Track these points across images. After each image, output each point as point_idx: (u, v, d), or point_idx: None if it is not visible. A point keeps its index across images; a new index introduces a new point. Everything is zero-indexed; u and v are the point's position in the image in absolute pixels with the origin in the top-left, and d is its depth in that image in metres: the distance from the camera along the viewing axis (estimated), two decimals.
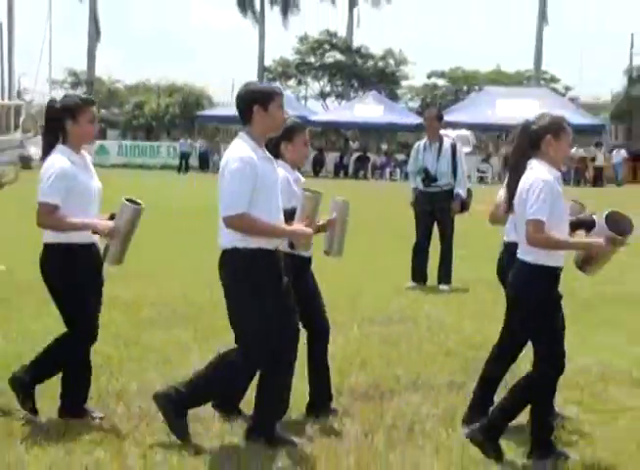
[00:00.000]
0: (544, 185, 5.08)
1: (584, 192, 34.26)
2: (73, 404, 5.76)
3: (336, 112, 51.62)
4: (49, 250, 5.61)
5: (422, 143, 11.51)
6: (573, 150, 44.93)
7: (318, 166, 44.03)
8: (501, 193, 5.99)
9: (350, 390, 6.66)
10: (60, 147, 5.60)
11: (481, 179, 37.92)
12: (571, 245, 5.38)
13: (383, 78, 58.98)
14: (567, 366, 5.45)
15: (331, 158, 45.74)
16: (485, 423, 5.37)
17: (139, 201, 5.72)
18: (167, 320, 8.84)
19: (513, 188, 5.36)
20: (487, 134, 46.59)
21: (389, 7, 67.00)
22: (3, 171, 6.57)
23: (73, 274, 5.51)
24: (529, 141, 5.29)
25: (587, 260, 5.50)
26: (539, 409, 5.34)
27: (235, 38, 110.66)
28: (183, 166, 44.79)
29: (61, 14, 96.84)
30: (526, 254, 5.24)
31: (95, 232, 5.53)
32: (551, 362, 5.25)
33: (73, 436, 5.29)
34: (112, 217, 5.70)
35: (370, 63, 60.78)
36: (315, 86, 59.59)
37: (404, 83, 63.30)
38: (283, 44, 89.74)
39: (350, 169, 44.80)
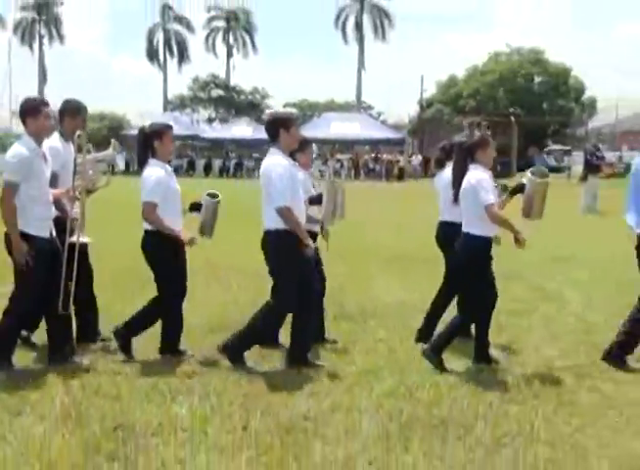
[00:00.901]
0: (486, 181, 5.80)
1: (393, 185, 38.83)
2: (171, 345, 6.10)
3: (219, 131, 56.85)
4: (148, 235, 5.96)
5: None
6: (385, 155, 54.65)
7: (208, 169, 49.41)
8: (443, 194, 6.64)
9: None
10: (152, 161, 5.98)
11: (322, 176, 46.07)
12: (508, 224, 5.80)
13: (252, 108, 65.85)
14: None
15: (216, 163, 50.72)
16: (433, 343, 6.00)
17: (217, 194, 6.30)
18: None
19: (457, 187, 5.99)
20: (325, 146, 51.24)
21: (256, 57, 78.98)
22: (97, 178, 6.46)
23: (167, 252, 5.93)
24: (467, 153, 5.99)
25: (530, 206, 5.94)
26: (479, 331, 6.06)
27: (146, 80, 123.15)
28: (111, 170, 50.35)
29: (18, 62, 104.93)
30: (473, 227, 5.88)
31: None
32: (487, 300, 5.99)
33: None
34: (193, 206, 6.30)
35: (242, 97, 68.00)
36: (204, 113, 66.03)
37: (267, 111, 74.37)
38: (180, 84, 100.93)
39: (231, 172, 49.37)
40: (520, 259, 9.70)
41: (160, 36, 70.69)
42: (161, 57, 70.62)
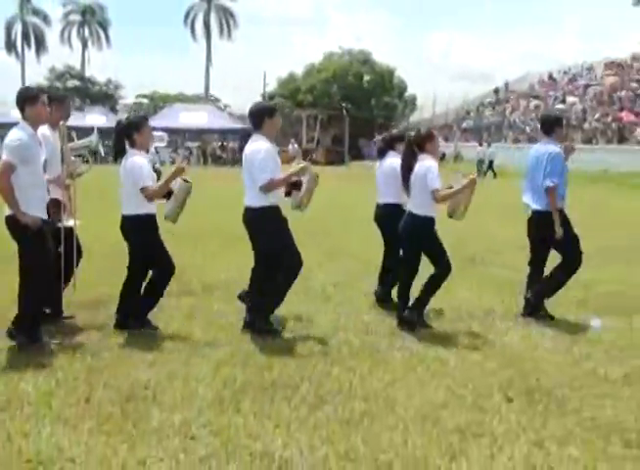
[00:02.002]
0: (435, 168, 6.05)
1: (237, 170, 44.38)
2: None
3: (74, 120, 57.78)
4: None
5: None
6: (230, 143, 54.44)
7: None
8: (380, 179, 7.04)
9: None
10: (132, 151, 5.90)
11: (173, 162, 45.39)
12: (451, 193, 6.15)
13: (106, 98, 64.41)
14: None
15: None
16: (410, 309, 6.24)
17: (189, 180, 6.11)
18: None
19: (407, 173, 6.21)
20: (175, 135, 48.41)
21: (110, 51, 75.35)
22: (77, 165, 6.33)
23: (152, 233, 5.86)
24: (416, 145, 6.18)
25: (454, 209, 6.37)
26: (430, 291, 6.24)
27: (4, 69, 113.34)
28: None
29: None
30: (419, 208, 6.14)
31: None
32: (446, 266, 6.19)
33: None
34: (170, 193, 6.05)
35: (97, 87, 66.39)
36: None
37: (120, 101, 68.61)
38: (38, 73, 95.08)
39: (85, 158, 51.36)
40: None
41: (18, 28, 67.68)
42: (19, 48, 67.72)
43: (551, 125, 6.80)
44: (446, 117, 57.25)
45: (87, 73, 67.47)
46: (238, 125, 49.98)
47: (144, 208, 5.86)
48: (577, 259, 6.61)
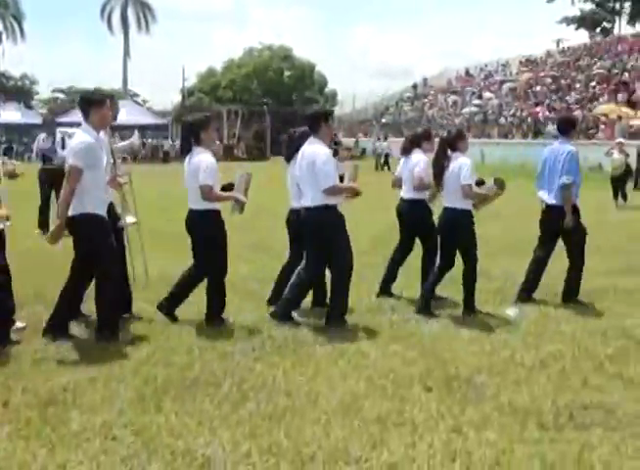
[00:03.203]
0: (468, 165, 6.49)
1: (155, 167, 35.65)
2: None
3: None
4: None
5: None
6: (150, 140, 53.57)
7: None
8: (397, 173, 7.54)
9: None
10: (198, 148, 6.01)
11: None
12: (480, 194, 6.64)
13: (21, 93, 62.72)
14: None
15: None
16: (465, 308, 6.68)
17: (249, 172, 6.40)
18: None
19: (439, 171, 6.61)
20: None
21: (26, 44, 73.90)
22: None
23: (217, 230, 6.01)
24: (448, 145, 6.64)
25: (478, 204, 6.77)
26: (471, 286, 6.71)
27: None
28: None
29: None
30: (456, 203, 6.56)
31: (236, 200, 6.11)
32: (475, 259, 6.66)
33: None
34: (225, 188, 6.21)
35: (12, 82, 64.95)
36: None
37: (36, 97, 67.73)
38: None
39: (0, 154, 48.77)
40: None
41: None
42: None
43: (567, 126, 7.36)
44: (366, 113, 57.90)
45: (1, 68, 65.10)
46: (157, 121, 49.68)
47: (210, 203, 5.98)
48: (581, 252, 7.21)
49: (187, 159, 6.09)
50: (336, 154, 24.93)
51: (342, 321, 6.17)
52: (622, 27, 55.39)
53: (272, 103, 51.99)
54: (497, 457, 3.76)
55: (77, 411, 4.30)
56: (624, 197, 16.79)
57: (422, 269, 7.22)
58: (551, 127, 32.36)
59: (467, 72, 56.61)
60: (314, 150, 6.08)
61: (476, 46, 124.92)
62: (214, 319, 6.15)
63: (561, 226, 7.04)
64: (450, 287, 7.09)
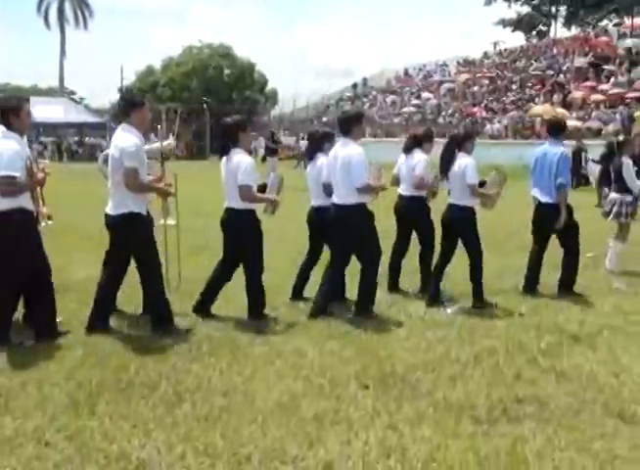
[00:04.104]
0: (472, 165, 6.83)
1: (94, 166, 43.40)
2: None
3: None
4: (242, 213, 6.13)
5: None
6: (87, 139, 52.65)
7: None
8: (395, 171, 7.71)
9: None
10: (237, 149, 6.18)
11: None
12: (485, 193, 7.02)
13: None
14: None
15: None
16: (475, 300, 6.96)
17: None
18: None
19: (446, 167, 6.96)
20: (28, 129, 49.79)
21: None
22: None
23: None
24: (455, 145, 6.99)
25: (484, 203, 7.11)
26: (478, 278, 7.04)
27: None
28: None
29: None
30: (460, 200, 6.91)
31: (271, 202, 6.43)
32: (479, 252, 6.99)
33: None
34: (262, 186, 6.47)
35: None
36: None
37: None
38: None
39: None
40: None
41: None
42: None
43: (557, 129, 7.74)
44: (307, 112, 57.94)
45: None
46: (95, 119, 48.75)
47: (244, 203, 6.12)
48: (577, 246, 7.65)
49: (224, 159, 6.27)
50: (275, 153, 25.02)
51: (371, 312, 6.57)
52: (558, 30, 56.77)
53: (212, 101, 51.53)
54: (432, 452, 3.81)
55: (10, 417, 4.21)
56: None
57: (420, 264, 7.61)
58: (489, 127, 32.96)
59: (406, 73, 57.24)
60: (349, 151, 6.34)
61: (415, 47, 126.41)
62: (257, 317, 6.33)
63: (553, 223, 7.39)
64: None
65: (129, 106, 5.77)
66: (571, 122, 27.32)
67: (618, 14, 48.28)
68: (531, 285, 7.68)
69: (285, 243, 9.80)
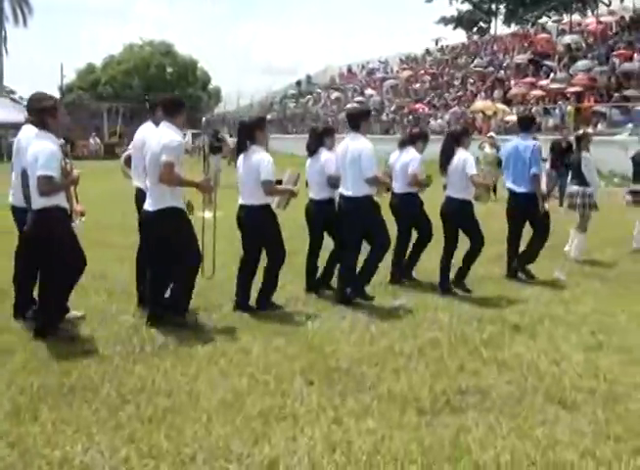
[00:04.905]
0: (471, 158, 7.26)
1: None
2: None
3: None
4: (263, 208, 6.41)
5: None
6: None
7: None
8: (397, 168, 7.85)
9: None
10: (255, 147, 6.48)
11: None
12: (484, 182, 7.60)
13: None
14: None
15: None
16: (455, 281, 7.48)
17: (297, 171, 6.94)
18: None
19: (445, 162, 7.34)
20: None
21: None
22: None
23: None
24: (453, 140, 7.40)
25: (478, 196, 7.44)
26: (468, 263, 7.51)
27: None
28: None
29: None
30: (458, 193, 7.30)
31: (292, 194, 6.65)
32: (481, 241, 7.44)
33: None
34: (278, 182, 6.63)
35: None
36: None
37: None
38: None
39: None
40: None
41: None
42: None
43: (527, 123, 8.39)
44: (251, 110, 57.69)
45: None
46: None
47: (263, 199, 6.39)
48: (548, 230, 8.15)
49: (241, 156, 6.53)
50: (219, 150, 24.82)
51: (364, 293, 6.99)
52: (498, 28, 57.65)
53: (154, 100, 51.05)
54: (376, 445, 3.86)
55: None
56: (495, 190, 17.31)
57: (411, 252, 7.93)
58: (434, 123, 33.31)
59: (349, 70, 57.45)
60: (359, 145, 6.76)
61: (358, 44, 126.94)
62: (267, 305, 6.61)
63: (530, 212, 7.95)
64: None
65: (175, 106, 6.06)
66: (512, 118, 27.86)
67: (557, 11, 49.23)
68: (514, 272, 8.14)
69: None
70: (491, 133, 19.87)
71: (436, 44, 53.62)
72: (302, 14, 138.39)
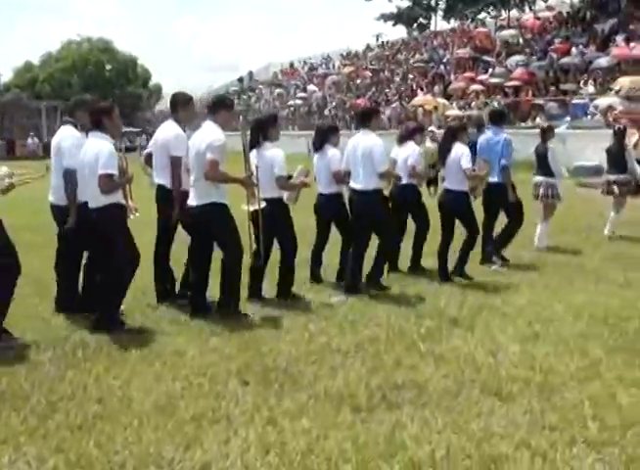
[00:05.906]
0: (468, 153, 7.53)
1: None
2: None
3: None
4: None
5: None
6: None
7: None
8: (399, 162, 8.17)
9: None
10: (268, 143, 6.77)
11: None
12: (478, 175, 7.75)
13: None
14: None
15: None
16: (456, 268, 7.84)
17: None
18: None
19: (444, 156, 7.71)
20: None
21: None
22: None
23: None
24: (451, 136, 7.81)
25: (473, 189, 7.81)
26: (466, 252, 7.86)
27: None
28: None
29: None
30: (455, 185, 7.65)
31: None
32: (477, 231, 7.89)
33: None
34: (290, 178, 6.89)
35: None
36: None
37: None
38: None
39: None
40: None
41: None
42: None
43: (498, 118, 8.90)
44: (199, 107, 57.20)
45: None
46: None
47: (277, 192, 6.68)
48: (521, 219, 8.69)
49: (255, 152, 6.73)
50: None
51: (381, 284, 7.34)
52: (438, 23, 58.25)
53: (93, 97, 50.18)
54: (310, 445, 3.81)
55: None
56: (436, 184, 17.43)
57: (414, 244, 8.27)
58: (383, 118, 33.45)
59: (291, 66, 57.36)
60: (370, 141, 7.04)
61: (300, 40, 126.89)
62: (287, 295, 6.93)
63: (501, 200, 8.42)
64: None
65: (221, 106, 6.27)
66: (453, 112, 28.19)
67: (496, 7, 49.97)
68: (488, 257, 8.57)
69: None
70: (432, 127, 20.01)
71: (377, 40, 53.94)
72: (244, 9, 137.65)
